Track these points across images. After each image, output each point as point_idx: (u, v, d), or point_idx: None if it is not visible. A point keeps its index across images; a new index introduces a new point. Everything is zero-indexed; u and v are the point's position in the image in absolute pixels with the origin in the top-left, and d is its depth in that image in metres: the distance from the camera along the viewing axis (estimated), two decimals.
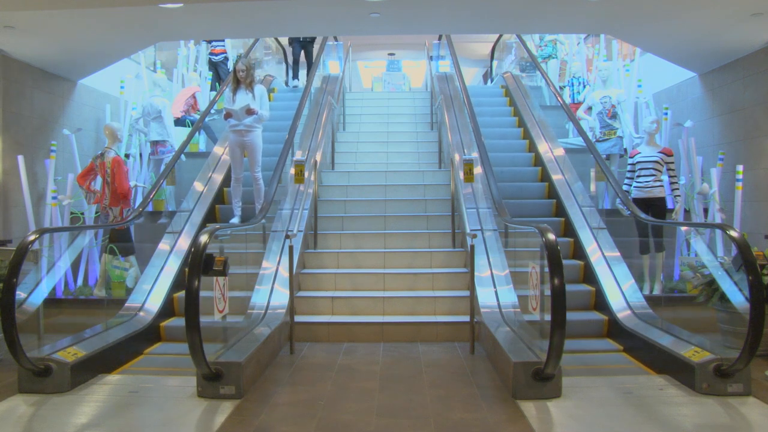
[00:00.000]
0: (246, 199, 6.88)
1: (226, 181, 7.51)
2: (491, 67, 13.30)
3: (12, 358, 3.87)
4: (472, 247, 5.37)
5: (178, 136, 8.17)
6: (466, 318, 5.29)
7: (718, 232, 6.08)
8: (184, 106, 8.93)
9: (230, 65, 10.47)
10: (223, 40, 10.61)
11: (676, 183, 6.28)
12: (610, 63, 8.80)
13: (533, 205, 7.41)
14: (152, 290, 5.67)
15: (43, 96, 7.22)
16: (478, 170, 6.99)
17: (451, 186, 7.32)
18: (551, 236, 3.81)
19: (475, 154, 7.24)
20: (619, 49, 9.64)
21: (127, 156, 7.71)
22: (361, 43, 16.34)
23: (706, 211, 6.66)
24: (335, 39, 11.54)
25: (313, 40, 11.06)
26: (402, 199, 7.72)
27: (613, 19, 6.22)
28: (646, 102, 8.51)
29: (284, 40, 11.80)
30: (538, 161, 8.15)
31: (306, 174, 6.99)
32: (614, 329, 5.30)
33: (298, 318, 5.57)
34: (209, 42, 10.65)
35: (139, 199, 7.15)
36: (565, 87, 9.87)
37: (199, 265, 3.74)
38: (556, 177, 7.45)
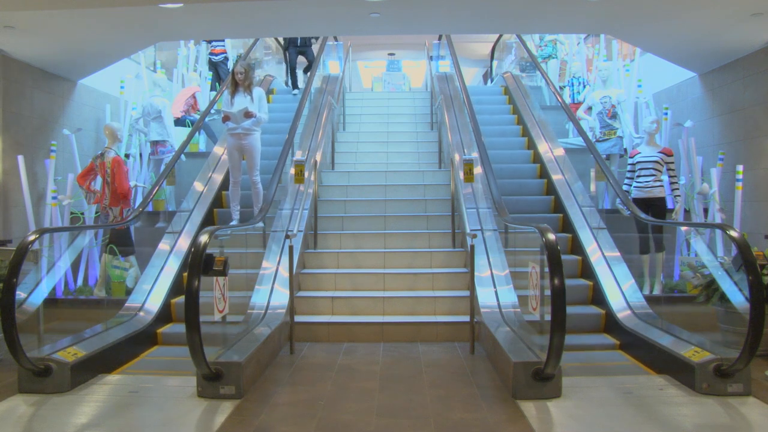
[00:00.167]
0: (244, 203, 6.87)
1: (225, 183, 7.49)
2: (491, 67, 13.30)
3: (12, 358, 3.87)
4: (472, 247, 5.37)
5: (178, 136, 8.17)
6: (466, 318, 5.29)
7: (718, 232, 6.09)
8: (184, 106, 8.92)
9: (230, 65, 10.45)
10: (223, 40, 10.60)
11: (676, 183, 6.28)
12: (610, 63, 8.80)
13: (532, 201, 7.43)
14: (152, 291, 5.66)
15: (43, 96, 7.22)
16: (478, 170, 7.00)
17: (451, 186, 7.32)
18: (551, 236, 3.81)
19: (475, 154, 7.24)
20: (619, 49, 9.63)
21: (127, 156, 7.71)
22: (361, 43, 16.33)
23: (706, 211, 6.65)
24: (335, 39, 11.53)
25: (310, 44, 11.03)
26: (402, 199, 7.72)
27: (613, 19, 6.22)
28: (646, 102, 8.50)
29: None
30: (538, 160, 8.16)
31: (306, 174, 6.98)
32: (611, 324, 5.33)
33: (298, 318, 5.57)
34: (209, 42, 10.64)
35: (139, 199, 7.16)
36: (565, 87, 9.86)
37: (199, 265, 3.74)
38: (555, 177, 7.46)
